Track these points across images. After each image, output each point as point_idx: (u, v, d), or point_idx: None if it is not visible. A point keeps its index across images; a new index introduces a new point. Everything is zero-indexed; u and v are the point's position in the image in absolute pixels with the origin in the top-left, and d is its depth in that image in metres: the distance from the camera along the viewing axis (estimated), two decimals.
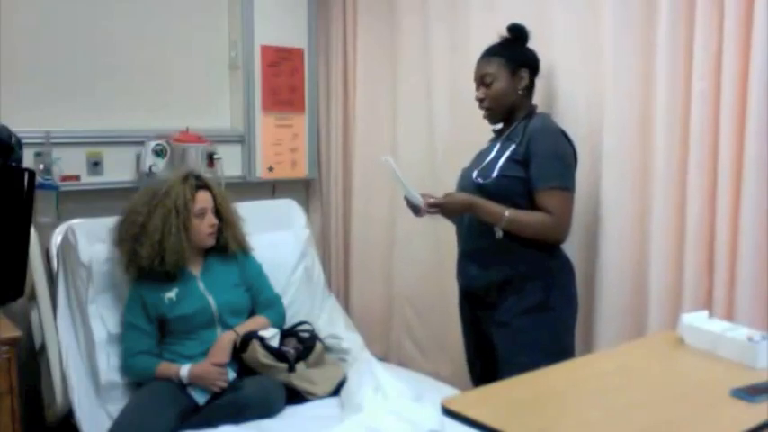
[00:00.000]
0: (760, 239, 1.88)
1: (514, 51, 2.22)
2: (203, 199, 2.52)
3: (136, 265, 2.45)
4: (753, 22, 1.86)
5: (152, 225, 2.42)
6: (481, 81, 2.24)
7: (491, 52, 2.24)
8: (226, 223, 2.59)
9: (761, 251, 1.88)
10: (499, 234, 2.13)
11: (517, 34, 2.23)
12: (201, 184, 2.55)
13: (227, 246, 2.59)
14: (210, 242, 2.55)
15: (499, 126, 2.29)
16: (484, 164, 2.21)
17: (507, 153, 2.16)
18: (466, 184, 2.25)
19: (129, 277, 2.49)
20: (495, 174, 2.15)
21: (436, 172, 2.88)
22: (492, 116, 2.26)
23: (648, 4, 2.14)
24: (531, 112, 2.23)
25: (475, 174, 2.21)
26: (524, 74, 2.21)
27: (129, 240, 2.45)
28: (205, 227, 2.51)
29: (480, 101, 2.25)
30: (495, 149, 2.22)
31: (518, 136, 2.16)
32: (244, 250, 2.66)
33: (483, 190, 2.16)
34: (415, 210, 2.22)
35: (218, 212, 2.57)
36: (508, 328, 2.17)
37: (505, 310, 2.17)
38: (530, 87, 2.24)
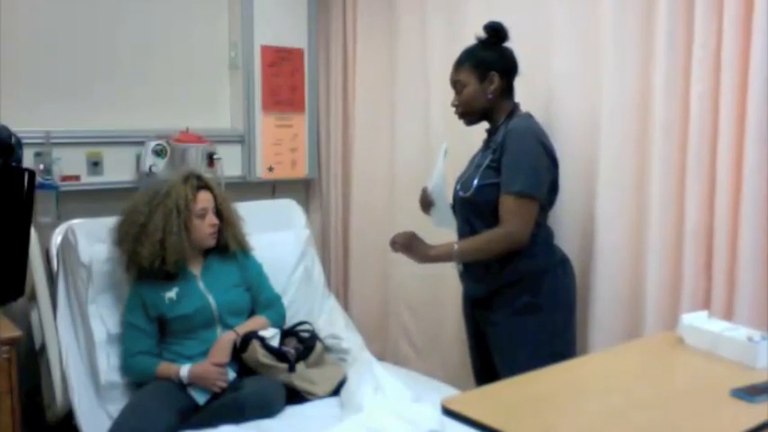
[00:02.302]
0: (759, 241, 1.88)
1: (484, 54, 2.20)
2: (204, 199, 2.52)
3: (137, 265, 2.44)
4: (752, 23, 1.86)
5: (153, 225, 2.42)
6: (453, 88, 2.25)
7: (461, 58, 2.24)
8: (226, 223, 2.59)
9: (760, 253, 1.88)
10: (459, 267, 2.23)
11: (493, 34, 2.20)
12: (202, 185, 2.55)
13: (228, 245, 2.60)
14: (211, 242, 2.55)
15: (487, 126, 2.30)
16: (467, 174, 2.25)
17: (486, 161, 2.17)
18: (455, 195, 2.29)
19: (130, 277, 2.49)
20: (475, 184, 2.16)
21: (430, 174, 2.88)
22: (467, 120, 2.27)
23: (647, 5, 2.14)
24: (512, 112, 2.21)
25: (458, 186, 2.25)
26: (494, 77, 2.18)
27: (129, 240, 2.45)
28: (206, 227, 2.51)
29: (455, 107, 2.26)
30: (479, 157, 2.25)
31: (496, 142, 2.16)
32: (244, 250, 2.66)
33: (467, 202, 2.19)
34: (425, 205, 2.36)
35: (218, 212, 2.57)
36: (499, 328, 2.20)
37: (497, 311, 2.19)
38: (505, 89, 2.22)
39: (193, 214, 2.48)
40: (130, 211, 2.48)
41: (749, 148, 1.87)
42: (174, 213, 2.43)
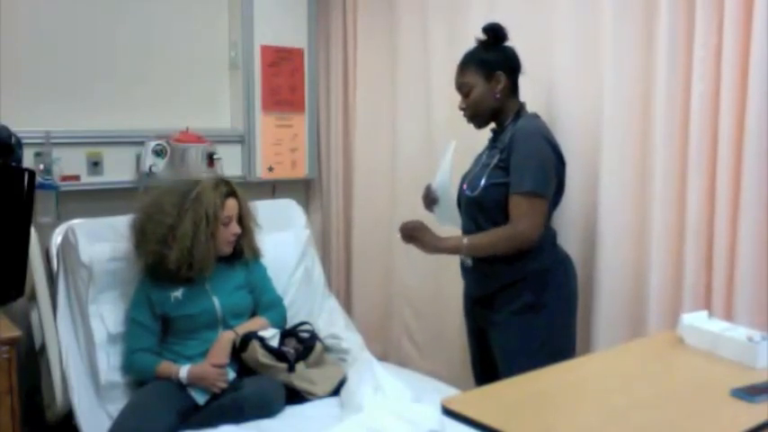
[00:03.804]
0: (759, 240, 1.88)
1: (488, 55, 2.20)
2: (231, 206, 2.51)
3: (163, 268, 2.42)
4: (753, 21, 1.87)
5: (182, 230, 2.39)
6: (460, 91, 2.25)
7: (465, 61, 2.24)
8: (245, 231, 2.58)
9: (760, 251, 1.89)
10: (468, 262, 2.22)
11: (493, 35, 2.20)
12: (231, 192, 2.53)
13: (242, 253, 2.59)
14: (229, 250, 2.54)
15: (493, 126, 2.30)
16: (473, 173, 2.25)
17: (494, 161, 2.17)
18: (461, 194, 2.28)
19: (146, 276, 2.48)
20: (482, 183, 2.16)
21: (435, 171, 2.88)
22: (477, 123, 2.27)
23: (648, 4, 2.14)
24: (519, 111, 2.22)
25: (465, 185, 2.25)
26: (500, 77, 2.18)
27: (153, 241, 2.42)
28: (228, 234, 2.50)
29: (463, 110, 2.26)
30: (485, 156, 2.25)
31: (503, 142, 2.17)
32: (256, 257, 2.66)
33: (474, 201, 2.19)
34: (428, 202, 2.37)
35: (239, 220, 2.56)
36: (501, 328, 2.20)
37: (498, 310, 2.19)
38: (511, 88, 2.22)
39: (220, 222, 2.47)
40: (155, 212, 2.43)
41: (749, 146, 1.87)
42: (204, 222, 2.41)
